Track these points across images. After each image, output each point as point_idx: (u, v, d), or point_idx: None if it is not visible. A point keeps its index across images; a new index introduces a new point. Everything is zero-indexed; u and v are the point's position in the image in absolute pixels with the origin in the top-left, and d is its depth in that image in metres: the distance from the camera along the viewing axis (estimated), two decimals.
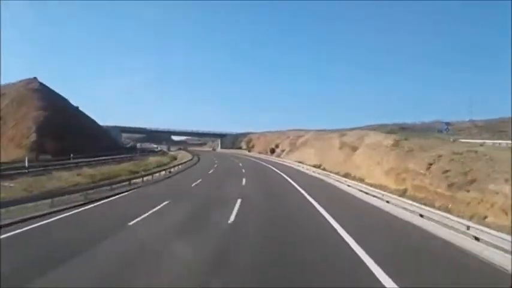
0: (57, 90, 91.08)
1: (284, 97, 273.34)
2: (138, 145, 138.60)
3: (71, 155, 48.98)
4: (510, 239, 7.89)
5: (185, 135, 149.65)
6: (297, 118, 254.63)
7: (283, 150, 70.08)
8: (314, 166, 42.43)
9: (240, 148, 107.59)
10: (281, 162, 55.30)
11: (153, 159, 54.25)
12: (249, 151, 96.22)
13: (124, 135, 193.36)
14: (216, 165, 46.23)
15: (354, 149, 34.97)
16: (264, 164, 50.93)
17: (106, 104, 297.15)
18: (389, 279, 6.67)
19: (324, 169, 38.43)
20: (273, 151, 76.13)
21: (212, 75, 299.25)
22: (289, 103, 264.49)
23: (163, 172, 31.81)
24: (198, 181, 26.29)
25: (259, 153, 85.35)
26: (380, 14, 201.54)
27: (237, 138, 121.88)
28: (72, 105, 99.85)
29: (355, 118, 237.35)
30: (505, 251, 7.96)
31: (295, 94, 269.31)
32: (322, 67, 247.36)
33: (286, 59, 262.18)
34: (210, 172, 34.94)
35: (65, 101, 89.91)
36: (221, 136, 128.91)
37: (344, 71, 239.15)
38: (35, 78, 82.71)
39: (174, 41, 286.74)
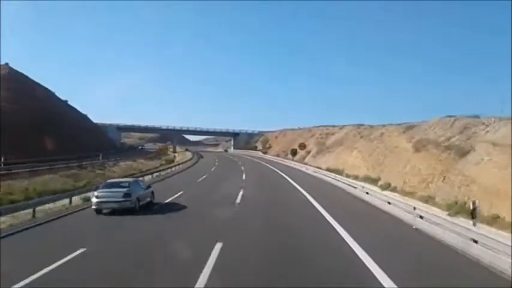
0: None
1: (305, 94, 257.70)
2: (140, 146, 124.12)
3: (1, 159, 33.81)
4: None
5: (196, 134, 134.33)
6: (320, 115, 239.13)
7: (308, 152, 53.05)
8: (364, 178, 25.49)
9: (255, 148, 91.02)
10: (306, 170, 38.24)
11: (125, 166, 38.60)
12: (264, 152, 79.50)
13: (136, 134, 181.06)
14: (204, 177, 29.87)
15: (460, 151, 17.78)
16: (283, 175, 33.48)
17: (118, 103, 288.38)
18: None
19: (393, 188, 21.42)
20: (294, 153, 59.14)
21: (229, 74, 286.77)
22: (309, 100, 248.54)
23: (54, 204, 15.30)
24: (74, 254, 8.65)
25: (277, 155, 68.59)
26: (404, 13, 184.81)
27: (251, 138, 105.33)
28: (59, 99, 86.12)
29: (383, 116, 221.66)
30: None
31: (316, 91, 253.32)
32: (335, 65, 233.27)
33: (300, 56, 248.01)
34: (177, 195, 18.33)
35: (45, 93, 75.81)
36: (234, 135, 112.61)
37: (367, 70, 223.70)
38: (6, 64, 68.80)
39: (188, 39, 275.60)
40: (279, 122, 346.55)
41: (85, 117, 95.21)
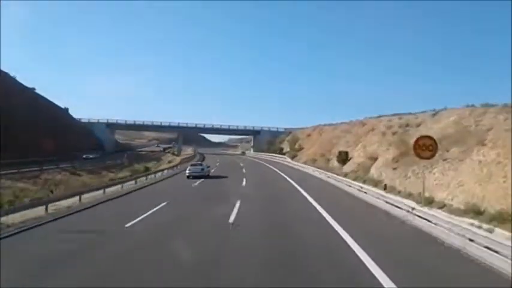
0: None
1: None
2: (86, 155, 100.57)
3: None
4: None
5: (207, 132, 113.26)
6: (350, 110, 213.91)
7: (374, 159, 29.19)
8: None
9: (281, 151, 67.63)
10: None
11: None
12: (293, 157, 56.07)
13: (151, 134, 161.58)
14: None
15: None
16: None
17: (128, 102, 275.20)
18: None
19: None
20: (344, 158, 35.57)
21: (245, 68, 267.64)
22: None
23: None
24: None
25: (313, 161, 45.14)
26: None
27: (276, 137, 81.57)
28: (25, 87, 66.71)
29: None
30: None
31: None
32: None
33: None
34: None
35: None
36: (254, 133, 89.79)
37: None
38: None
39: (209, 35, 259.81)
40: (308, 119, 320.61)
41: (65, 112, 75.75)
